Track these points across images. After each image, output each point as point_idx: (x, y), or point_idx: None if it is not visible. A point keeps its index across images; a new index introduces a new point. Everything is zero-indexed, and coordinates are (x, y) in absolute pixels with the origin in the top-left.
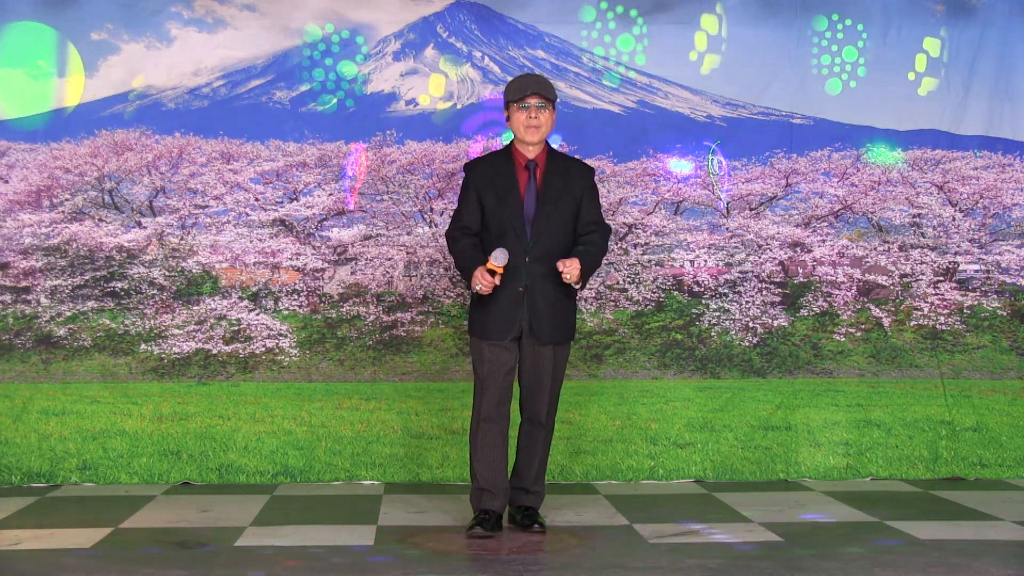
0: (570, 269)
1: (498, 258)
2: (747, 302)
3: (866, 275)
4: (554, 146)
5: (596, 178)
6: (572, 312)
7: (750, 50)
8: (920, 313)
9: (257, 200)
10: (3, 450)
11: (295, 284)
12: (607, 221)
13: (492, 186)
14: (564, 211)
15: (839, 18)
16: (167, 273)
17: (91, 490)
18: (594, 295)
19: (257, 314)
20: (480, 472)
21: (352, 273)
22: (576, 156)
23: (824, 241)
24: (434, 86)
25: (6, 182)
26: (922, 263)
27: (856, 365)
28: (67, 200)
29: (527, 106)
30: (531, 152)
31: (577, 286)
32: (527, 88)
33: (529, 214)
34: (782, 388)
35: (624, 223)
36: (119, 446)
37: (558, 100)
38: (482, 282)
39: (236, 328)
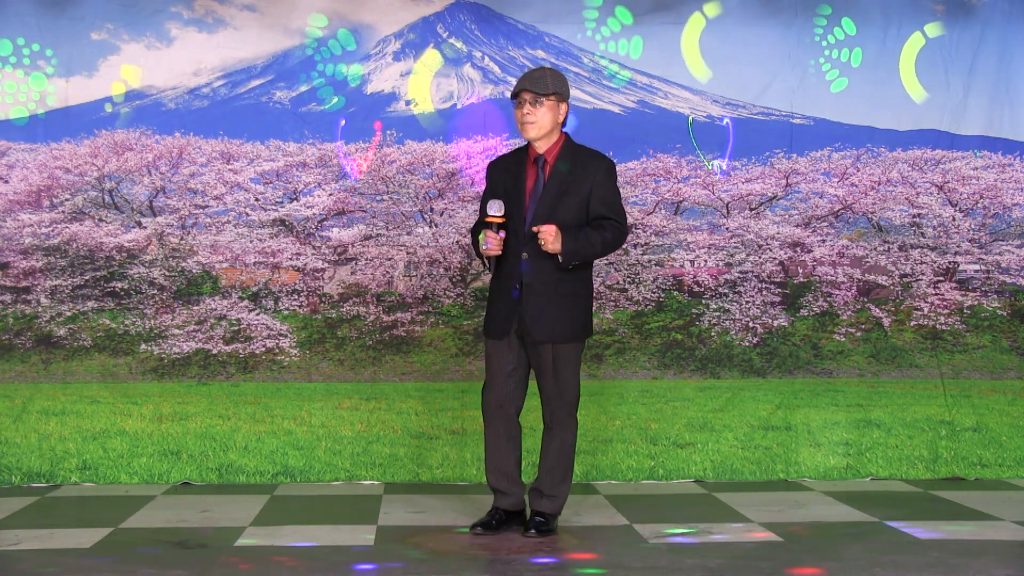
0: (544, 234)
1: (492, 207)
2: (747, 302)
3: (866, 275)
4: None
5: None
6: (576, 309)
7: (750, 50)
8: (920, 313)
9: (257, 200)
10: (3, 450)
11: (295, 284)
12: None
13: (503, 183)
14: (569, 207)
15: (839, 18)
16: (167, 273)
17: (91, 490)
18: (594, 295)
19: (257, 314)
20: (488, 470)
21: (352, 273)
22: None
23: (824, 241)
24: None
25: (6, 182)
26: (922, 263)
27: (856, 365)
28: (67, 200)
29: (521, 103)
30: (541, 147)
31: (560, 257)
32: (519, 85)
33: (531, 211)
34: (782, 388)
35: None
36: (119, 446)
37: None
38: (488, 241)
39: (236, 328)
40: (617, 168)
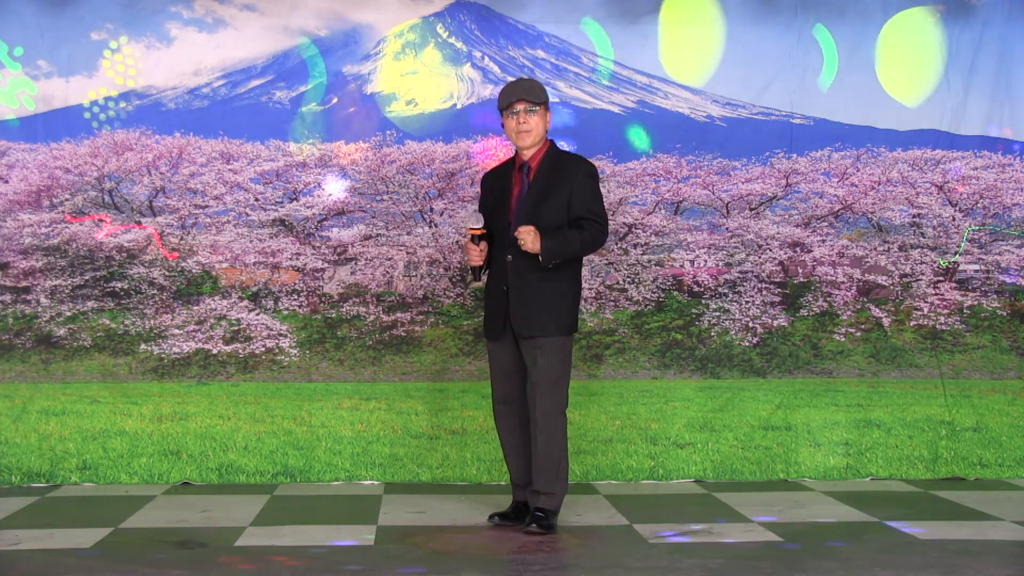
0: (522, 234)
1: (468, 220)
2: (747, 302)
3: (866, 275)
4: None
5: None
6: (561, 305)
7: (750, 50)
8: (920, 313)
9: (257, 200)
10: (3, 450)
11: (295, 284)
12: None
13: (492, 192)
14: (551, 210)
15: (839, 18)
16: (167, 273)
17: (91, 490)
18: (594, 295)
19: (257, 314)
20: (508, 465)
21: (352, 273)
22: (575, 152)
23: (824, 241)
24: (435, 91)
25: (6, 182)
26: (922, 263)
27: (856, 365)
28: (67, 200)
29: (515, 112)
30: (527, 154)
31: (540, 257)
32: (512, 95)
33: (515, 215)
34: (782, 388)
35: (624, 223)
36: (119, 446)
37: (558, 101)
38: (468, 252)
39: (236, 328)
40: (617, 168)
